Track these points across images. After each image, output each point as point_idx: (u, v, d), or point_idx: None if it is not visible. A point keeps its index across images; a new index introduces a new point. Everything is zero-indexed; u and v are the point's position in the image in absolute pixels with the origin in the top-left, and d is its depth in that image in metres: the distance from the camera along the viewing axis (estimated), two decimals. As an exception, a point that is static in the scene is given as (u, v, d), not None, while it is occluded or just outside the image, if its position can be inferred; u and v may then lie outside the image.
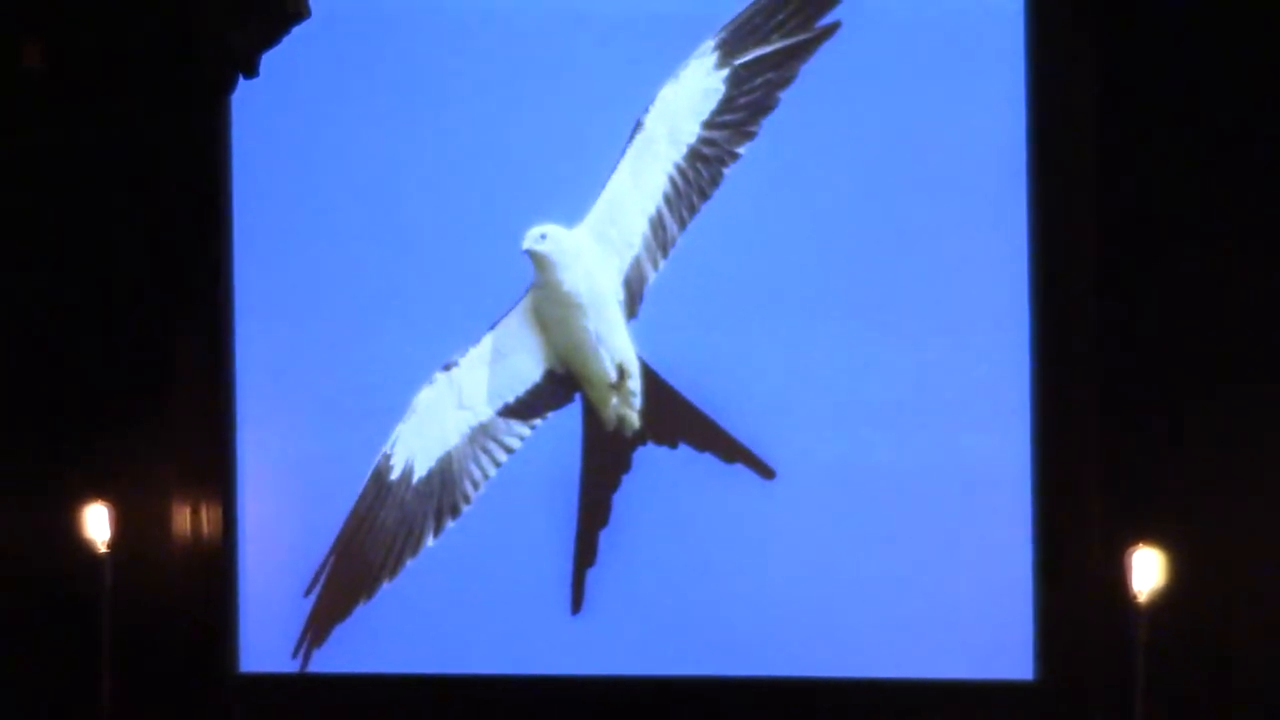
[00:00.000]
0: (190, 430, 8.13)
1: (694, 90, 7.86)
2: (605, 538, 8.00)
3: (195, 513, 8.16)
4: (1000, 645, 7.68)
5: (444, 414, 8.03)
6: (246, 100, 7.99)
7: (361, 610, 8.08)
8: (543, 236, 7.87)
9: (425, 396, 8.03)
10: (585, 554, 8.00)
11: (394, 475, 8.05)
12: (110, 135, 8.02)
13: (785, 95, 7.82)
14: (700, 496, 7.91)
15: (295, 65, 7.77)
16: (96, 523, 7.82)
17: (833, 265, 7.80)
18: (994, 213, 7.71)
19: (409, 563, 8.06)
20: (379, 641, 8.07)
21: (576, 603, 8.01)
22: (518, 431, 8.04)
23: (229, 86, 7.64)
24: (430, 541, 8.05)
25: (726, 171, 7.87)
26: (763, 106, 7.83)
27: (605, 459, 8.00)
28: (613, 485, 8.01)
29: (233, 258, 8.16)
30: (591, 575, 8.00)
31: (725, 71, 7.84)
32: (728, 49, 7.83)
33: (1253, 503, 7.40)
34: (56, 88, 8.01)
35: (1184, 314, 7.49)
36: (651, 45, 7.89)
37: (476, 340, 8.01)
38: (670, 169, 7.89)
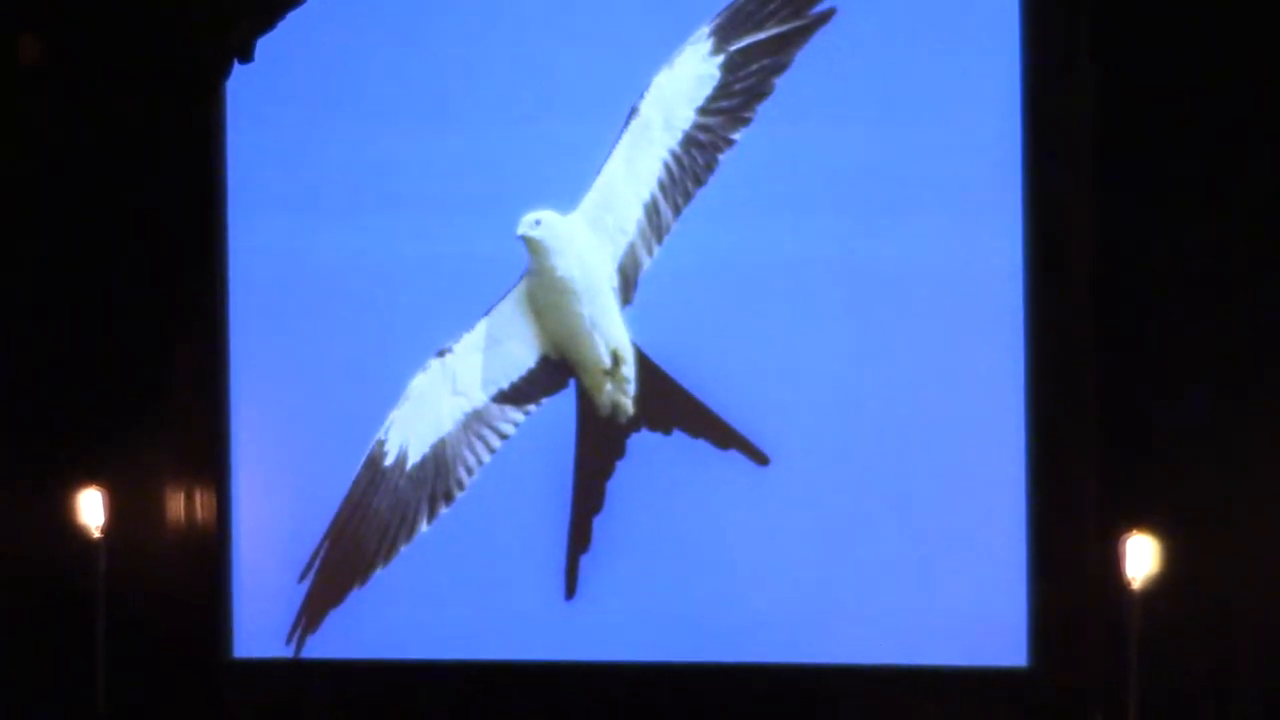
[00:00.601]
0: (185, 416, 8.14)
1: (689, 76, 7.85)
2: (599, 524, 8.00)
3: (189, 498, 8.16)
4: (994, 632, 7.67)
5: (438, 400, 8.03)
6: (241, 88, 7.98)
7: (355, 596, 8.08)
8: (537, 222, 7.86)
9: (419, 382, 8.02)
10: (579, 540, 8.00)
11: (388, 461, 8.05)
12: (106, 122, 8.02)
13: (780, 81, 7.82)
14: (694, 483, 7.91)
15: (290, 53, 7.78)
16: (91, 508, 7.83)
17: (827, 252, 7.79)
18: (990, 199, 7.69)
19: (403, 549, 8.06)
20: (373, 627, 8.07)
21: (570, 588, 8.01)
22: (512, 418, 8.04)
23: (225, 73, 7.64)
24: (424, 528, 8.05)
25: (721, 158, 7.87)
26: (758, 93, 7.83)
27: (599, 445, 8.00)
28: (607, 471, 8.00)
29: (228, 245, 8.16)
30: (585, 561, 8.01)
31: (720, 58, 7.84)
32: (723, 35, 7.83)
33: (1247, 490, 7.40)
34: (51, 79, 8.01)
35: (1179, 302, 7.49)
36: (646, 32, 7.88)
37: (471, 326, 8.01)
38: (665, 155, 7.88)
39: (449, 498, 8.03)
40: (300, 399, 8.12)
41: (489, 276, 7.96)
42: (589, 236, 7.90)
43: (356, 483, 8.05)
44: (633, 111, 7.86)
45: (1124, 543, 7.10)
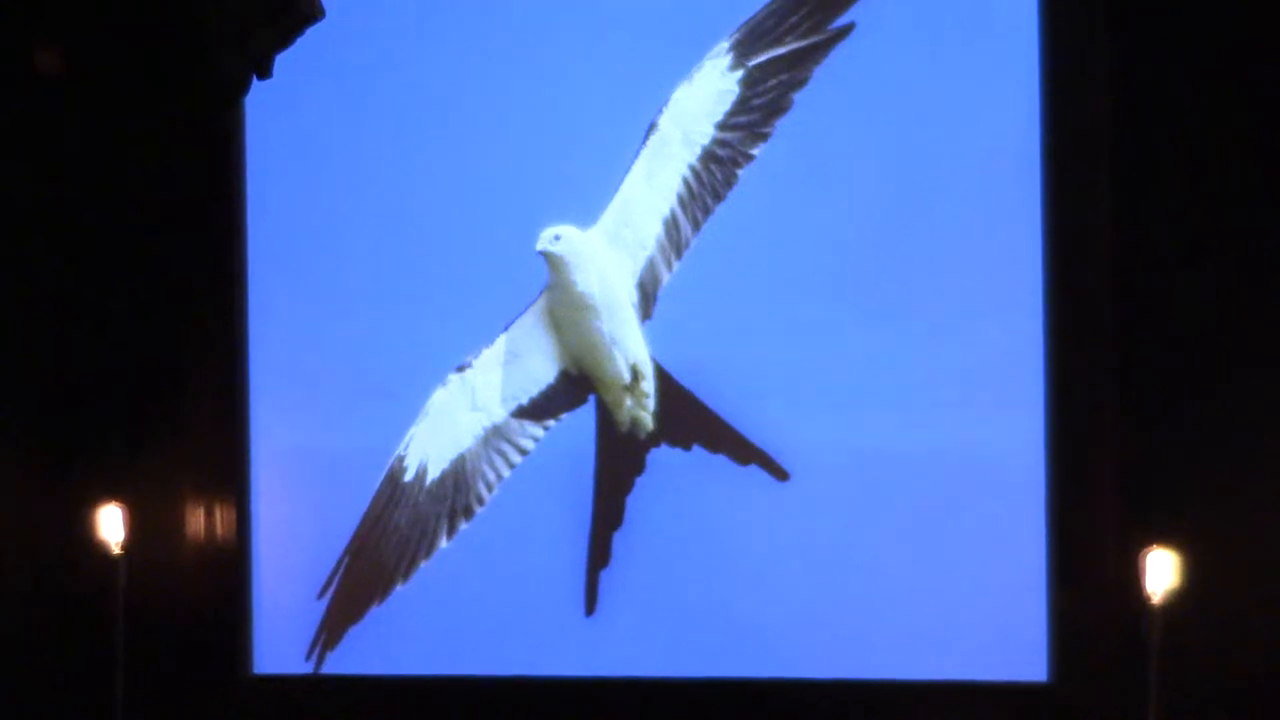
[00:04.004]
0: (204, 432, 8.14)
1: (708, 91, 7.86)
2: (619, 539, 7.99)
3: (209, 514, 8.17)
4: (1014, 647, 7.66)
5: (457, 415, 8.03)
6: (260, 101, 7.97)
7: (375, 612, 8.08)
8: (557, 238, 7.86)
9: (439, 398, 8.03)
10: (599, 556, 7.99)
11: (408, 477, 8.05)
12: (124, 137, 8.02)
13: (799, 97, 7.82)
14: (714, 498, 7.90)
15: (308, 66, 7.76)
16: (110, 524, 7.84)
17: (847, 266, 7.79)
18: (1008, 210, 7.68)
19: (422, 565, 8.06)
20: (392, 643, 8.07)
21: (590, 604, 8.01)
22: (531, 433, 8.04)
23: (244, 88, 7.64)
24: (444, 543, 8.05)
25: (740, 173, 7.87)
26: (777, 108, 7.83)
27: (619, 461, 8.00)
28: (626, 487, 8.00)
29: (247, 258, 8.17)
30: (605, 577, 8.00)
31: (739, 73, 7.84)
32: (742, 50, 7.83)
33: (1270, 504, 7.39)
34: (69, 89, 8.02)
35: (1202, 311, 7.48)
36: (665, 46, 7.89)
37: (490, 341, 8.01)
38: (684, 170, 7.88)
39: (469, 513, 8.03)
40: (320, 415, 8.12)
41: (508, 292, 7.96)
42: (609, 252, 7.90)
43: (376, 499, 8.05)
44: (652, 127, 7.86)
45: (1144, 557, 7.09)
